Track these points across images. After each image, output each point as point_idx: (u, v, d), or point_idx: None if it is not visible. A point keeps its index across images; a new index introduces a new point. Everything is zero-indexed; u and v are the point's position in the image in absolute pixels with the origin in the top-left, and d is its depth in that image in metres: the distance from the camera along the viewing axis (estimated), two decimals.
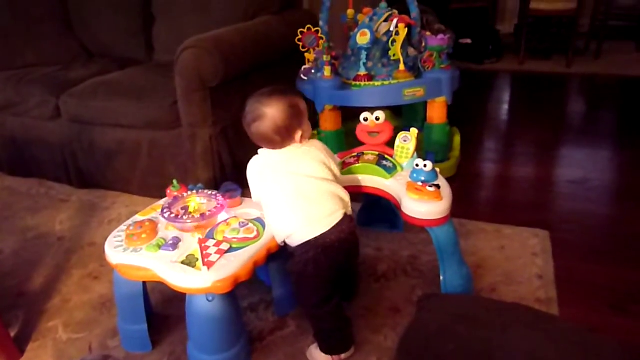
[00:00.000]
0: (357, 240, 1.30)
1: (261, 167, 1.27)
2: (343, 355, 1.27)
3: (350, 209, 1.28)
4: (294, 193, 1.21)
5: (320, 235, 1.19)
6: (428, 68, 2.03)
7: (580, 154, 2.55)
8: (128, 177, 2.19)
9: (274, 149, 1.24)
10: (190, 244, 1.21)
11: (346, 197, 1.27)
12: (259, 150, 1.28)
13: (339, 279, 1.27)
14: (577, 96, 3.71)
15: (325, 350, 1.27)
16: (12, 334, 1.42)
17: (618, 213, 1.96)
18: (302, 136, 1.24)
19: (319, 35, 2.06)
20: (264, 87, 1.16)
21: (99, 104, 2.10)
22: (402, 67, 1.96)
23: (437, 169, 1.36)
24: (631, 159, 2.41)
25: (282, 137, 1.21)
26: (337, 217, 1.22)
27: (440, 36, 1.97)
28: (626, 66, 4.04)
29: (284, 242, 1.26)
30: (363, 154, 1.48)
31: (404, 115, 2.49)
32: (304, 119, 1.24)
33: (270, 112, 1.19)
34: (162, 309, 1.50)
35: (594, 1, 4.34)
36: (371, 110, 1.52)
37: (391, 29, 1.95)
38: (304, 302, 1.28)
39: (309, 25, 2.05)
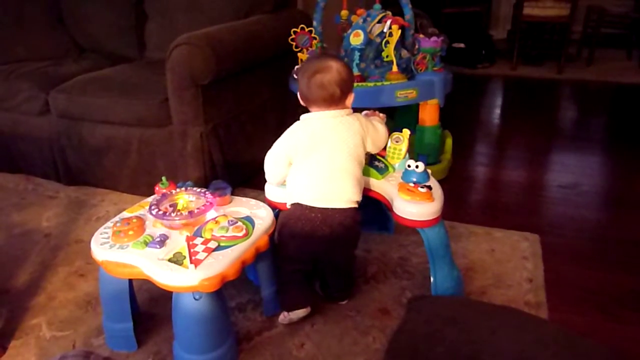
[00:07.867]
0: (345, 237, 1.33)
1: (302, 134, 1.29)
2: (288, 313, 1.36)
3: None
4: (322, 169, 1.26)
5: (313, 207, 1.26)
6: (421, 70, 2.03)
7: (571, 159, 2.56)
8: (117, 174, 2.16)
9: (327, 107, 1.27)
10: (178, 241, 1.20)
11: None
12: (303, 117, 1.31)
13: (313, 261, 1.37)
14: (569, 102, 3.73)
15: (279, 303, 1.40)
16: None
17: (608, 218, 1.96)
18: (351, 103, 1.31)
19: (312, 35, 2.06)
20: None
21: (89, 100, 2.07)
22: (395, 68, 1.96)
23: (429, 171, 1.35)
24: (621, 165, 2.43)
25: (342, 92, 1.26)
26: (341, 204, 1.27)
27: (434, 38, 1.96)
28: (617, 73, 4.08)
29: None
30: None
31: (396, 117, 2.49)
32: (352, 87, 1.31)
33: (335, 65, 1.26)
34: (149, 307, 1.48)
35: (586, 8, 4.39)
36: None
37: (385, 30, 1.95)
38: (276, 251, 1.37)
39: (302, 25, 2.04)
